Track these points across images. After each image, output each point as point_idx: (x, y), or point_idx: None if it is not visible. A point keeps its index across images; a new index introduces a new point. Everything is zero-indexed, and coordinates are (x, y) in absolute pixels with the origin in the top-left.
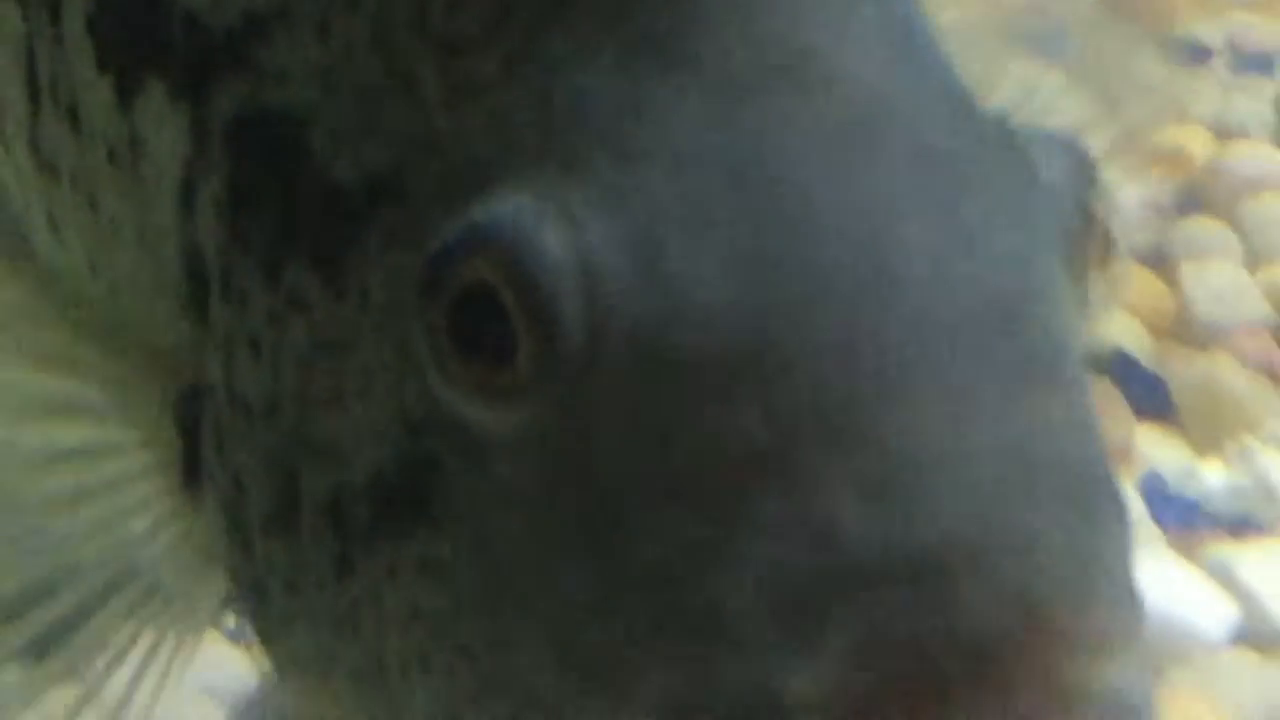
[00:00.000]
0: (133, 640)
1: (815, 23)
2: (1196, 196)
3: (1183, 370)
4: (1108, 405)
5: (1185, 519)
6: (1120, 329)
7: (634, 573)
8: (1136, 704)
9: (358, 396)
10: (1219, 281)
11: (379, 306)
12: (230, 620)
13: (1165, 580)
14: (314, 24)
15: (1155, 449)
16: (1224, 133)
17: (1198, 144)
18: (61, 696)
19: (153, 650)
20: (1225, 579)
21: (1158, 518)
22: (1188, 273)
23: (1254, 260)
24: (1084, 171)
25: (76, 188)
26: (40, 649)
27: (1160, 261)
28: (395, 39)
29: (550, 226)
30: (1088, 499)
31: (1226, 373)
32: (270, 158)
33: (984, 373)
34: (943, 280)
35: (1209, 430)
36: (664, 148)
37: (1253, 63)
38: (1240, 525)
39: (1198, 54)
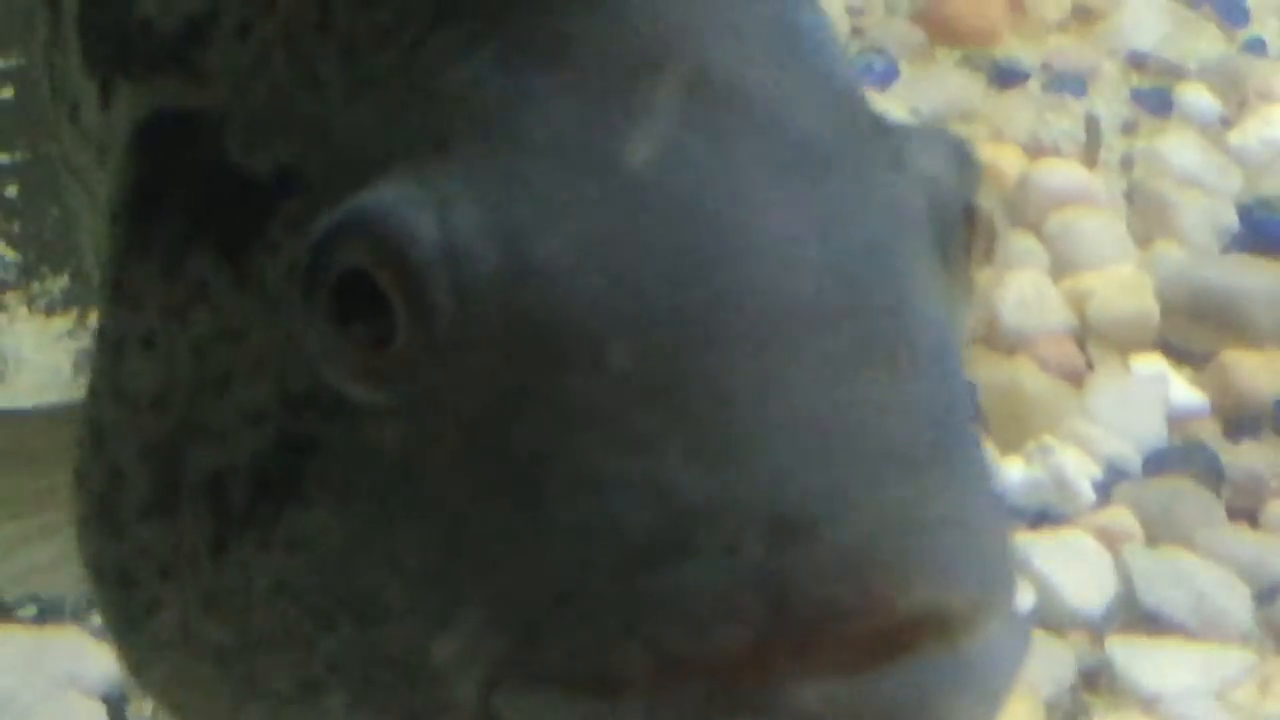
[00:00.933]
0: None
1: (684, 19)
2: (1008, 211)
3: (989, 375)
4: None
5: None
6: None
7: (481, 530)
8: (974, 658)
9: (246, 382)
10: (1025, 291)
11: (273, 296)
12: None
13: None
14: (236, 26)
15: None
16: (1037, 151)
17: (1011, 161)
18: None
19: None
20: (1022, 568)
21: None
22: (997, 283)
23: (1059, 270)
24: (965, 166)
25: (81, 183)
26: None
27: None
28: (303, 39)
29: (420, 211)
30: (925, 464)
31: (1029, 377)
32: (182, 157)
33: (826, 346)
34: (792, 260)
35: (1012, 431)
36: (533, 137)
37: (1066, 84)
38: (1038, 518)
39: (1014, 76)
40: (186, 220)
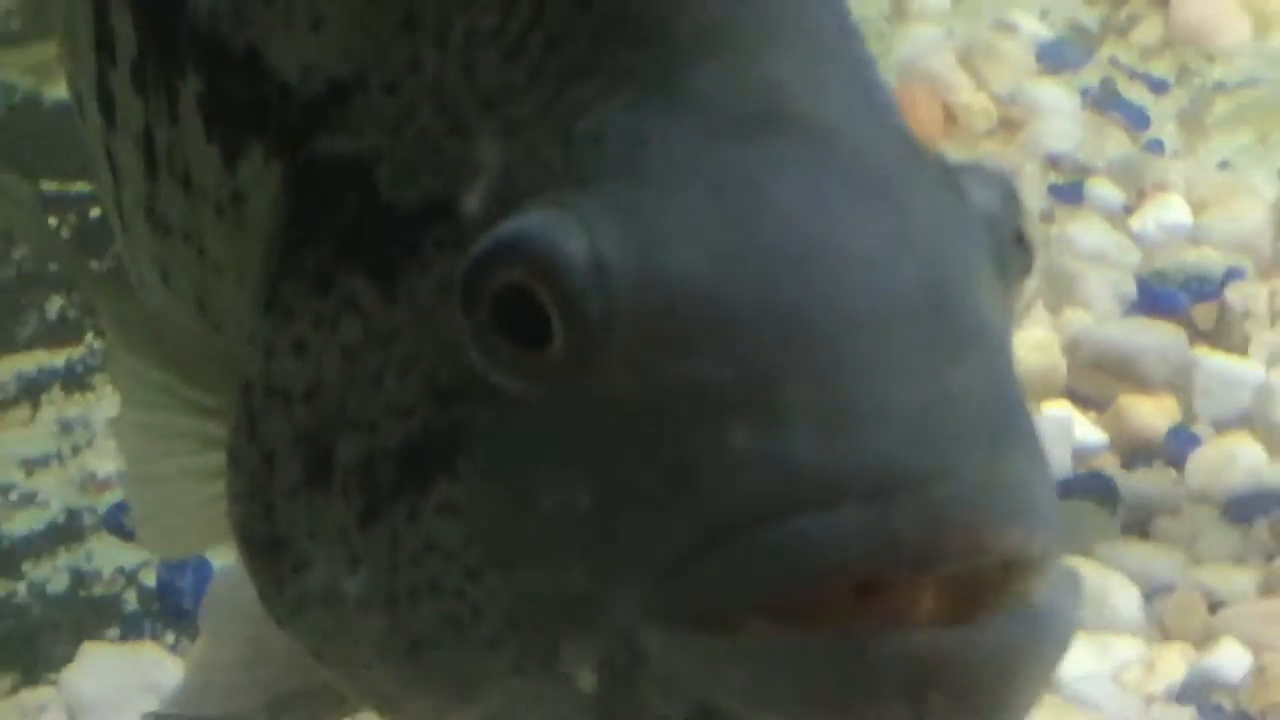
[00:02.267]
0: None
1: (788, 74)
2: None
3: None
4: None
5: None
6: None
7: (630, 492)
8: (1046, 612)
9: (397, 379)
10: None
11: (424, 307)
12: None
13: None
14: (384, 85)
15: None
16: None
17: None
18: None
19: None
20: None
21: None
22: None
23: None
24: (1010, 198)
25: (188, 241)
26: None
27: None
28: (449, 95)
29: (569, 233)
30: (1001, 439)
31: None
32: (329, 195)
33: (917, 338)
34: (886, 268)
35: None
36: (660, 170)
37: None
38: None
39: None
40: (335, 246)
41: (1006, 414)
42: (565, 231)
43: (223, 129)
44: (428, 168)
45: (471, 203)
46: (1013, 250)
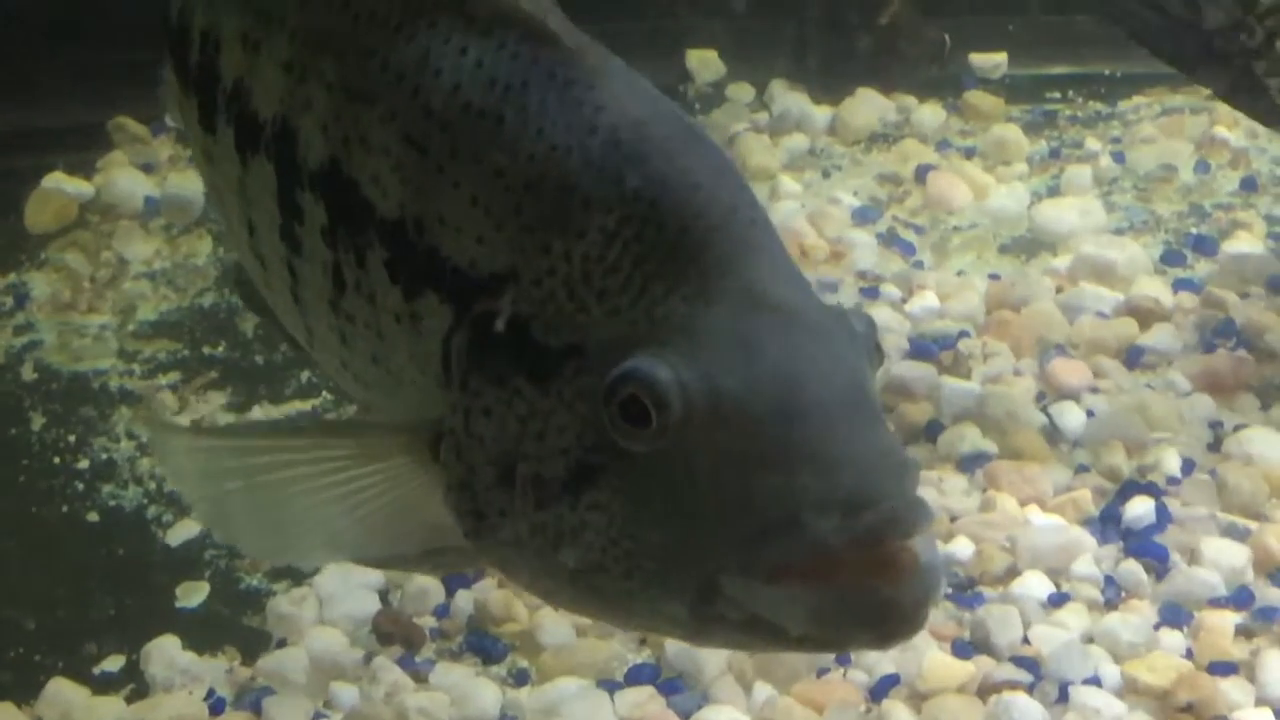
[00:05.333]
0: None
1: (770, 280)
2: None
3: None
4: None
5: None
6: None
7: (707, 505)
8: (935, 559)
9: (556, 434)
10: None
11: (567, 400)
12: None
13: None
14: (533, 280)
15: None
16: None
17: None
18: None
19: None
20: None
21: None
22: None
23: None
24: (871, 327)
25: (368, 329)
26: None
27: None
28: (576, 290)
29: (662, 370)
30: (903, 470)
31: None
32: (503, 332)
33: (855, 417)
34: (833, 382)
35: None
36: (714, 335)
37: (826, 287)
38: None
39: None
40: (504, 362)
41: (901, 456)
42: (660, 368)
43: (404, 280)
44: (565, 329)
45: (595, 351)
46: (875, 355)
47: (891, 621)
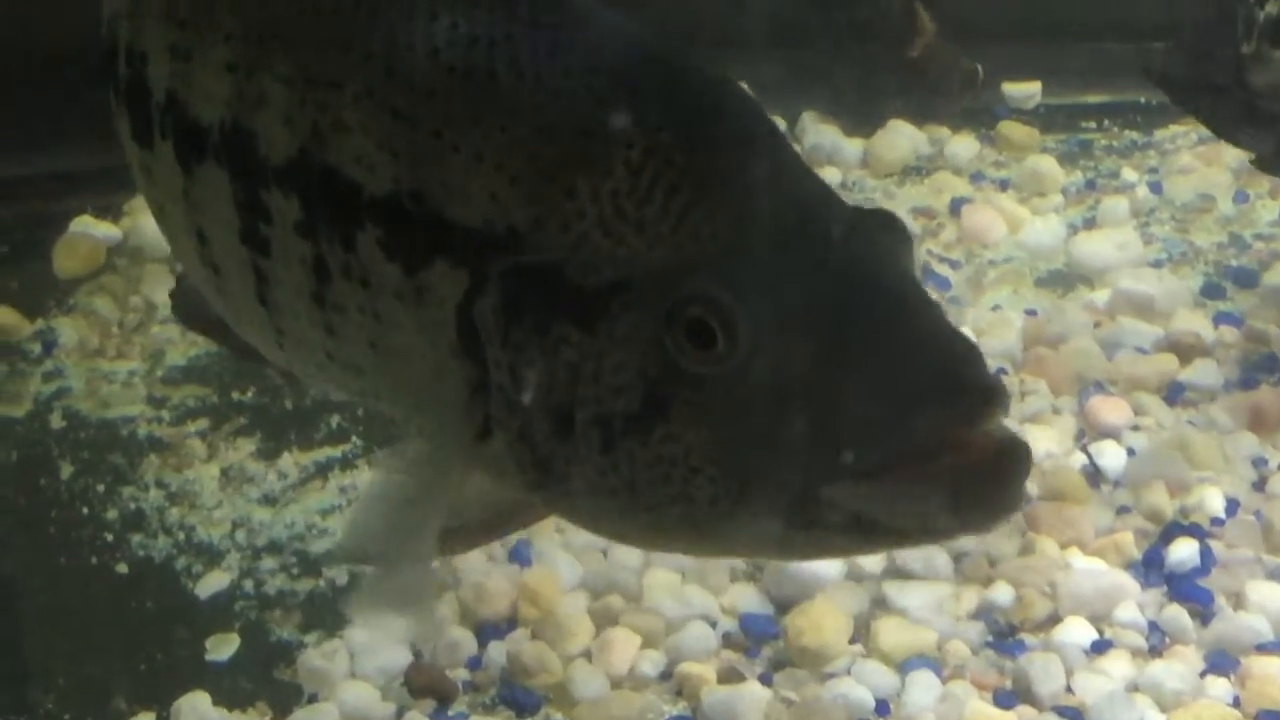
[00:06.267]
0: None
1: (820, 193)
2: None
3: None
4: None
5: None
6: None
7: (798, 418)
8: (1012, 436)
9: (610, 373)
10: None
11: (619, 336)
12: None
13: None
14: (560, 226)
15: None
16: None
17: None
18: None
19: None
20: None
21: None
22: None
23: None
24: (897, 219)
25: (362, 314)
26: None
27: None
28: (613, 225)
29: (724, 286)
30: (976, 353)
31: None
32: (536, 283)
33: (921, 310)
34: (894, 280)
35: None
36: (764, 247)
37: None
38: None
39: None
40: (543, 311)
41: (967, 338)
42: (718, 286)
43: (403, 255)
44: (606, 267)
45: (644, 283)
46: (911, 245)
47: (995, 500)
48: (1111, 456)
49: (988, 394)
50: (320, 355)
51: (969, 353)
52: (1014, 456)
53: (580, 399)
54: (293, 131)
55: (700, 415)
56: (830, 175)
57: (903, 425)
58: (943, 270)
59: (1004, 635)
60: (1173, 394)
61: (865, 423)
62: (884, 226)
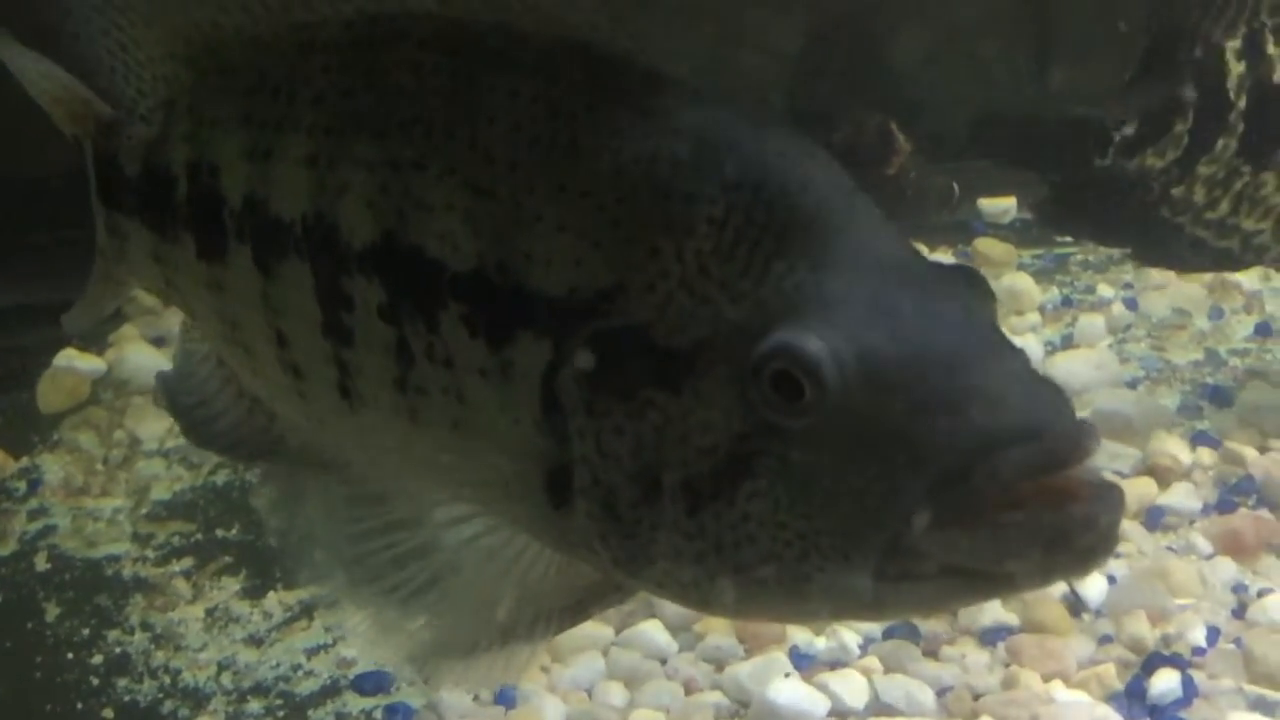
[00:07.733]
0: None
1: (874, 239)
2: None
3: None
4: None
5: None
6: None
7: (884, 463)
8: (1104, 478)
9: (697, 433)
10: None
11: (705, 395)
12: None
13: None
14: (645, 287)
15: None
16: None
17: None
18: None
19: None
20: None
21: None
22: None
23: None
24: (980, 277)
25: (446, 395)
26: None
27: None
28: (695, 285)
29: (810, 338)
30: (1063, 396)
31: None
32: (620, 347)
33: (1006, 356)
34: (978, 328)
35: None
36: (847, 298)
37: None
38: None
39: None
40: (628, 375)
41: (1054, 383)
42: (804, 338)
43: (488, 330)
44: (691, 326)
45: (728, 339)
46: (993, 299)
47: (1089, 544)
48: (1092, 585)
49: (1078, 437)
50: (400, 447)
51: (1057, 397)
52: (1108, 499)
53: (666, 462)
54: (376, 216)
55: (786, 469)
56: None
57: (994, 470)
58: None
59: None
60: (1152, 519)
61: (955, 468)
62: (967, 281)
